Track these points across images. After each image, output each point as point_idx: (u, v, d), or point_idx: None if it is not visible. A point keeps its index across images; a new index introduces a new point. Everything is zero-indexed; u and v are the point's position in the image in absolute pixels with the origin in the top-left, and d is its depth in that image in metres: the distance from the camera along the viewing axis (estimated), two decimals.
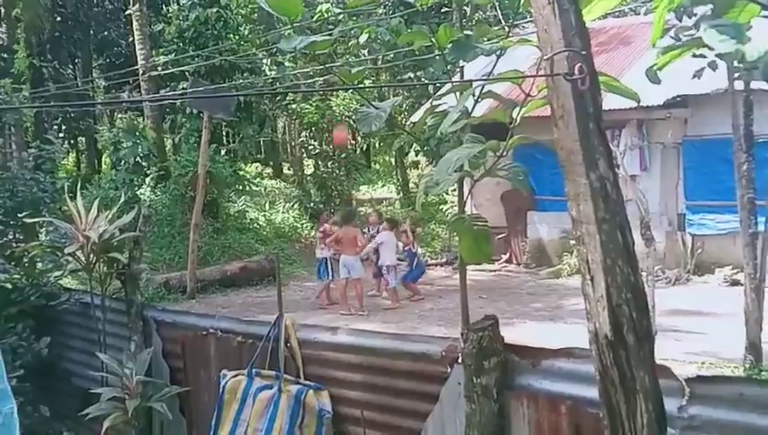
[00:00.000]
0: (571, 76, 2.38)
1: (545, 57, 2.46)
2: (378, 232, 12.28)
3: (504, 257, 14.67)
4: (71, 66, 27.04)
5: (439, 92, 4.06)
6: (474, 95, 3.46)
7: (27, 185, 8.02)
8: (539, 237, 14.22)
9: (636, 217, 7.05)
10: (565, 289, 11.86)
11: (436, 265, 15.29)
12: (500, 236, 14.18)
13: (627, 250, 2.44)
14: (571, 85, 2.39)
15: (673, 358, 7.06)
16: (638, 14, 16.17)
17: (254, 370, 5.32)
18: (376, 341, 4.80)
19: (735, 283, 11.20)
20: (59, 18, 23.03)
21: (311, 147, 19.98)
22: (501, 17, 3.70)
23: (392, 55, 16.50)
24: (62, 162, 22.28)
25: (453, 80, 4.45)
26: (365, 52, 16.74)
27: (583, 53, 2.40)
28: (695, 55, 4.87)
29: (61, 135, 10.85)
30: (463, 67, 4.29)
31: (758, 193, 7.09)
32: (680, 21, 5.97)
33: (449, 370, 4.19)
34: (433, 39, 3.73)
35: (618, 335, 2.42)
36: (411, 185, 22.31)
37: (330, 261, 11.68)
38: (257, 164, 27.90)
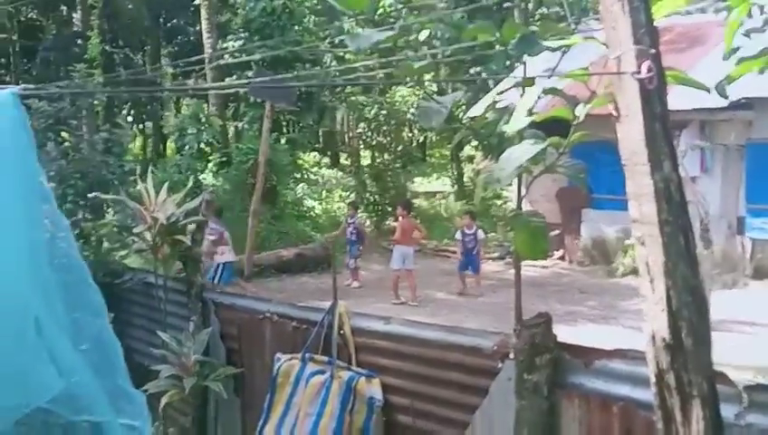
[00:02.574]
0: (638, 75, 2.36)
1: (613, 55, 2.44)
2: (354, 221, 12.93)
3: (558, 254, 14.53)
4: (140, 53, 27.81)
5: (500, 87, 4.04)
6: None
7: (97, 167, 8.32)
8: (594, 236, 14.03)
9: (695, 218, 6.89)
10: (619, 289, 11.68)
11: (488, 260, 15.24)
12: (554, 233, 14.04)
13: (688, 253, 2.41)
14: (639, 84, 2.38)
15: (729, 364, 6.89)
16: (706, 12, 15.69)
17: (307, 354, 5.42)
18: (428, 332, 4.84)
19: None
20: (131, 6, 23.71)
21: (368, 138, 20.10)
22: (568, 14, 3.67)
23: (451, 51, 16.43)
24: (130, 146, 22.95)
25: (515, 75, 4.44)
26: (425, 46, 16.71)
27: (652, 51, 2.38)
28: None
29: (129, 119, 11.20)
30: (526, 63, 4.28)
31: None
32: (750, 17, 5.80)
33: (500, 365, 4.20)
34: (497, 34, 3.73)
35: (676, 339, 2.40)
36: (466, 179, 22.22)
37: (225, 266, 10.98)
38: (315, 153, 28.22)
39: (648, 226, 2.41)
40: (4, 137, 3.15)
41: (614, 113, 2.50)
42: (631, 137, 2.42)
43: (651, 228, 2.40)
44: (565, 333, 4.15)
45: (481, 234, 12.06)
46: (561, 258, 14.53)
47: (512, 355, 4.01)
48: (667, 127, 2.42)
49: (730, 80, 3.23)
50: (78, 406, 3.53)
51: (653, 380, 2.49)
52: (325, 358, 5.33)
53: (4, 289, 3.24)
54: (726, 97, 3.61)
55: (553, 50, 3.54)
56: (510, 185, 4.06)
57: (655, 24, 2.47)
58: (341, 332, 5.30)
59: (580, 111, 3.08)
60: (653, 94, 2.39)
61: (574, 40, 3.43)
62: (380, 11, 17.07)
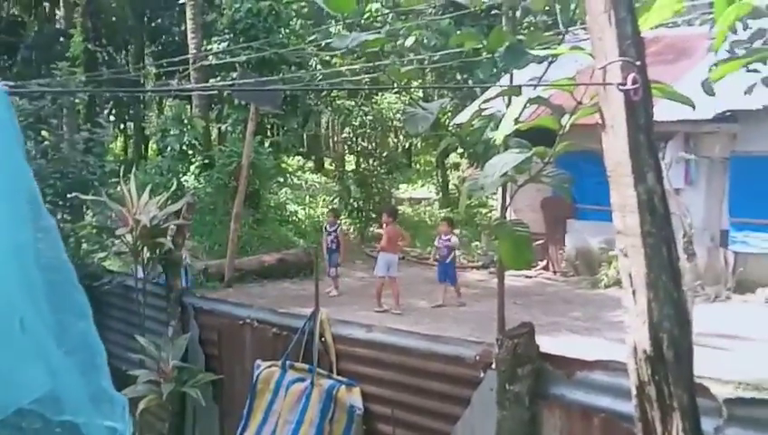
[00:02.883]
0: (624, 86, 2.36)
1: (599, 66, 2.43)
2: (335, 230, 12.70)
3: (541, 264, 14.55)
4: (124, 52, 27.61)
5: (486, 95, 4.04)
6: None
7: (77, 167, 8.20)
8: (578, 246, 14.06)
9: (678, 230, 6.92)
10: (603, 300, 11.71)
11: (472, 269, 15.24)
12: (537, 243, 14.07)
13: (671, 265, 2.40)
14: (624, 96, 2.37)
15: (710, 377, 6.92)
16: (693, 24, 15.85)
17: (287, 362, 5.37)
18: (410, 341, 4.81)
19: None
20: (114, 4, 23.56)
21: (353, 143, 20.07)
22: (561, 23, 3.66)
23: (438, 56, 16.51)
24: (111, 146, 22.75)
25: (502, 83, 4.44)
26: (412, 53, 16.79)
27: (638, 63, 2.38)
28: (748, 70, 4.78)
29: (111, 119, 11.08)
30: (512, 72, 4.28)
31: None
32: (735, 33, 5.85)
33: (482, 375, 4.18)
34: (484, 42, 3.72)
35: (657, 351, 2.38)
36: (451, 186, 22.25)
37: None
38: (299, 157, 28.13)
39: (631, 237, 2.40)
40: None
41: (599, 124, 2.50)
42: (616, 148, 2.41)
43: (634, 240, 2.39)
44: (548, 343, 4.14)
45: (455, 241, 12.00)
46: (546, 268, 14.55)
47: (494, 365, 3.99)
48: (651, 138, 2.41)
49: (714, 79, 3.24)
50: (61, 407, 3.48)
51: (634, 392, 2.47)
52: (306, 365, 5.29)
53: None
54: (713, 94, 3.61)
55: (540, 60, 3.54)
56: (495, 193, 4.04)
57: (641, 35, 2.47)
58: (323, 339, 5.26)
59: (566, 121, 3.08)
60: (638, 106, 2.38)
61: (561, 50, 3.43)
62: (367, 15, 17.06)
